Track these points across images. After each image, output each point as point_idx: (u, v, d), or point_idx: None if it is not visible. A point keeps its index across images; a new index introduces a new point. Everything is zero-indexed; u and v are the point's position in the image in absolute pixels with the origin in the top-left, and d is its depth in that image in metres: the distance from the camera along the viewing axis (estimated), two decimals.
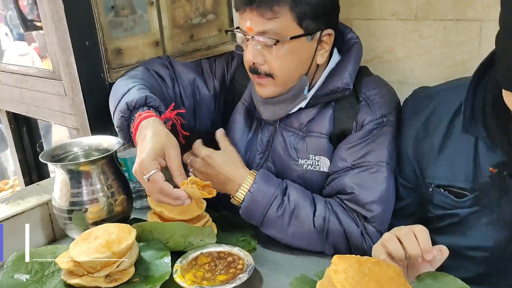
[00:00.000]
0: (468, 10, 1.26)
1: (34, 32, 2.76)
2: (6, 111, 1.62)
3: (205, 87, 1.25)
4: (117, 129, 1.08)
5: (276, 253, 1.05)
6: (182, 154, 1.02)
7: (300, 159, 1.10)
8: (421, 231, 0.80)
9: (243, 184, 1.04)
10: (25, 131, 1.70)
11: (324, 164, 1.09)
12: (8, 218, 1.08)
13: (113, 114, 1.09)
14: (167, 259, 0.94)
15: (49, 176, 1.71)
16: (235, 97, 1.23)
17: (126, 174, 1.20)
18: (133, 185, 1.25)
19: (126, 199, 1.08)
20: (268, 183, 1.05)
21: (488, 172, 0.89)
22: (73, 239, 0.95)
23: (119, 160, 1.22)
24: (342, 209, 1.03)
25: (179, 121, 1.08)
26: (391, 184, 1.04)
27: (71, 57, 1.16)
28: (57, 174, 1.04)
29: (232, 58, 1.26)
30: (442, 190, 0.95)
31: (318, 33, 1.03)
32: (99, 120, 1.22)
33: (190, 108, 1.22)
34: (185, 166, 1.01)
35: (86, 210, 1.02)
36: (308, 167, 1.09)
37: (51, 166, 1.58)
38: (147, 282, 0.90)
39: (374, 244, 0.96)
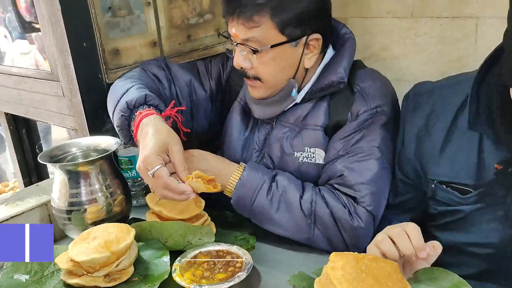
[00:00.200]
0: (464, 8, 1.26)
1: (33, 34, 2.76)
2: (5, 112, 1.63)
3: (202, 88, 1.25)
4: (117, 129, 1.08)
5: (275, 252, 1.05)
6: None
7: (295, 152, 1.10)
8: (413, 229, 0.80)
9: (233, 174, 1.05)
10: (24, 132, 1.70)
11: (319, 156, 1.09)
12: (7, 219, 1.08)
13: (112, 114, 1.10)
14: (166, 258, 0.94)
15: (48, 178, 1.71)
16: (231, 97, 1.24)
17: (134, 172, 1.21)
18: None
19: (124, 199, 1.08)
20: (257, 170, 1.05)
21: (493, 169, 0.88)
22: (73, 239, 0.95)
23: (119, 160, 1.23)
24: (329, 192, 1.02)
25: (179, 118, 1.08)
26: (384, 168, 1.04)
27: (68, 58, 1.17)
28: (56, 174, 1.04)
29: (228, 58, 1.26)
30: (445, 187, 0.95)
31: (304, 38, 1.04)
32: (97, 121, 1.23)
33: (187, 109, 1.22)
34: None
35: (85, 210, 1.02)
36: (304, 160, 1.10)
37: (50, 167, 1.59)
38: (146, 281, 0.90)
39: (364, 224, 0.98)
